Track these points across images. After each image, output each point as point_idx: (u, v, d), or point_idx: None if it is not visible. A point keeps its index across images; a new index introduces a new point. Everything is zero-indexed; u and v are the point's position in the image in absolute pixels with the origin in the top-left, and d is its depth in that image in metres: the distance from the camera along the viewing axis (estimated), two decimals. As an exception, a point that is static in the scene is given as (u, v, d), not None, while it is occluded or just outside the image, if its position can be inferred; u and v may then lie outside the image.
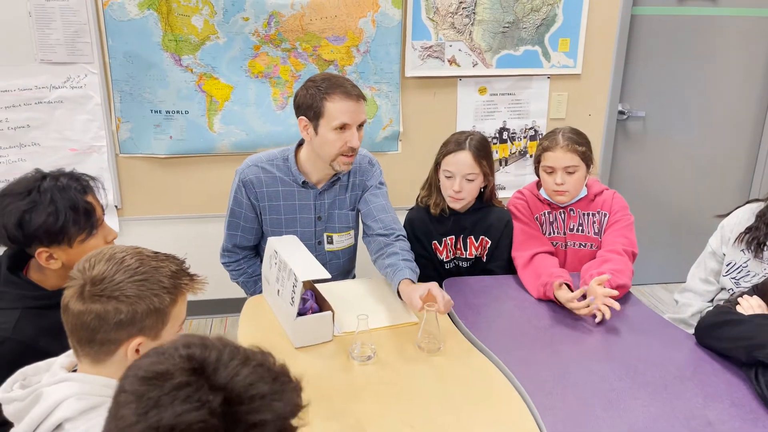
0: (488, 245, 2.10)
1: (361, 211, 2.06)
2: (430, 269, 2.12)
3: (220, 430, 0.70)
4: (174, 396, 0.70)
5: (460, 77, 3.04)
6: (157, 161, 2.92)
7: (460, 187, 2.00)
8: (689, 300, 2.03)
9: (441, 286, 1.98)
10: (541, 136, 3.19)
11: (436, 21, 2.92)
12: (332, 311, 1.64)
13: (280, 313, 1.72)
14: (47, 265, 1.41)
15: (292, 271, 1.60)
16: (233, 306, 3.12)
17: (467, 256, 2.13)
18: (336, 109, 1.79)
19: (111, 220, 2.84)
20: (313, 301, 1.72)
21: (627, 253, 1.99)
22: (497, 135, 3.17)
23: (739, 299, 1.65)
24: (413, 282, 1.78)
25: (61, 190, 1.40)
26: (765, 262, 1.86)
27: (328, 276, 1.59)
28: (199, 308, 3.18)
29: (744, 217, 1.94)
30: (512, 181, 3.21)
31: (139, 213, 2.97)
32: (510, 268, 2.11)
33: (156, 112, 2.86)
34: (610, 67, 3.11)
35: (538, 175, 2.17)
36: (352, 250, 2.17)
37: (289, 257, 1.67)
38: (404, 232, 2.01)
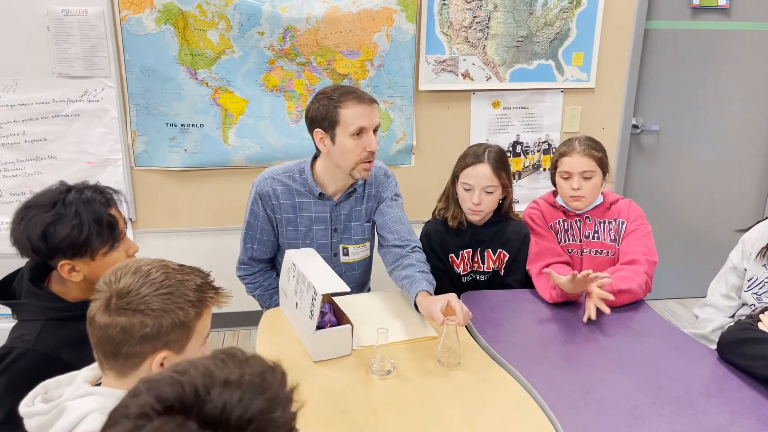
0: (506, 258, 2.09)
1: (376, 222, 2.06)
2: (447, 282, 2.11)
3: None
4: None
5: (474, 91, 3.05)
6: (171, 174, 2.94)
7: (479, 200, 1.99)
8: (710, 315, 2.01)
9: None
10: (554, 150, 3.19)
11: (450, 35, 2.94)
12: (351, 325, 1.63)
13: (299, 327, 1.71)
14: (69, 277, 1.42)
15: (311, 284, 1.59)
16: (246, 319, 3.12)
17: (485, 270, 2.11)
18: (351, 114, 1.81)
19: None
20: (331, 315, 1.71)
21: (646, 261, 1.98)
22: (510, 149, 3.16)
23: (761, 316, 1.63)
24: (430, 294, 1.77)
25: (85, 202, 1.40)
26: (787, 277, 1.84)
27: (348, 289, 1.59)
28: (212, 322, 3.17)
29: (765, 231, 1.92)
30: (526, 195, 3.20)
31: (154, 226, 2.98)
32: (528, 282, 2.10)
33: (171, 125, 2.87)
34: (624, 80, 3.11)
35: (554, 183, 2.18)
36: (368, 262, 2.16)
37: (308, 270, 1.66)
38: (420, 244, 2.01)
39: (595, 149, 2.08)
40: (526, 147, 3.18)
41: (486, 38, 2.96)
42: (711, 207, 3.43)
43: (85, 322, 1.42)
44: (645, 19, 3.04)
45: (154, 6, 2.70)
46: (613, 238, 2.12)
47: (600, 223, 2.14)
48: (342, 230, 2.04)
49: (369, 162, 1.89)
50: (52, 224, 1.36)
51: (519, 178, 3.21)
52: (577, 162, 2.07)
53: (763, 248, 1.89)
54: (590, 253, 2.14)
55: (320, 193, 1.97)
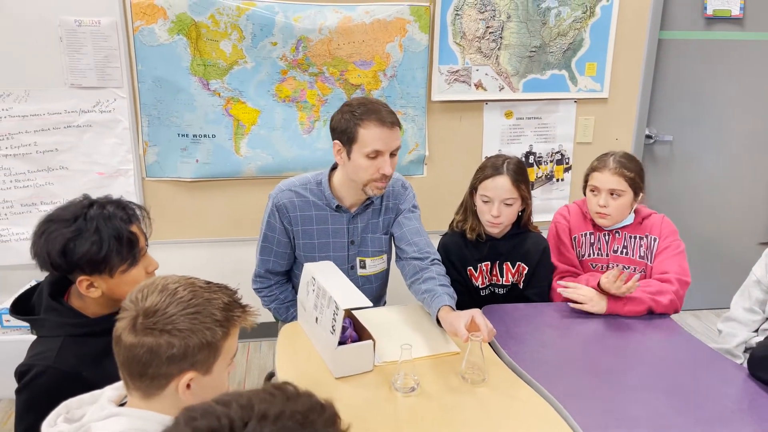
0: (525, 271, 2.06)
1: (394, 234, 2.04)
2: (465, 296, 2.08)
3: None
4: None
5: (487, 101, 3.03)
6: (183, 185, 2.92)
7: (498, 212, 1.97)
8: (734, 330, 1.98)
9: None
10: (567, 160, 3.17)
11: (463, 45, 2.92)
12: (373, 340, 1.60)
13: (319, 342, 1.68)
14: (87, 293, 1.39)
15: (332, 299, 1.57)
16: (256, 331, 3.08)
17: (503, 283, 2.09)
18: (369, 135, 1.77)
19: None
20: (352, 330, 1.68)
21: (677, 281, 1.95)
22: (523, 159, 3.14)
23: None
24: (453, 309, 1.74)
25: (106, 218, 1.38)
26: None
27: (370, 304, 1.56)
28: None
29: (791, 245, 1.89)
30: (539, 206, 3.16)
31: (165, 237, 2.95)
32: (548, 295, 2.07)
33: (183, 135, 2.85)
34: (637, 91, 3.10)
35: (585, 194, 2.16)
36: (385, 275, 2.14)
37: (328, 284, 1.64)
38: (439, 256, 1.98)
39: (628, 169, 2.04)
40: (539, 157, 3.16)
41: (499, 48, 2.95)
42: (725, 218, 3.40)
43: (105, 337, 1.41)
44: (659, 29, 3.02)
45: (167, 16, 2.69)
46: (642, 254, 2.09)
47: (630, 238, 2.11)
48: (359, 243, 2.01)
49: (382, 182, 1.85)
50: (72, 240, 1.34)
51: (532, 189, 3.18)
52: (606, 179, 2.04)
53: (788, 262, 1.86)
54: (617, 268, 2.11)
55: (337, 206, 1.94)
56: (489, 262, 2.08)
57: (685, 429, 1.37)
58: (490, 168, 2.02)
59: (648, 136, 3.21)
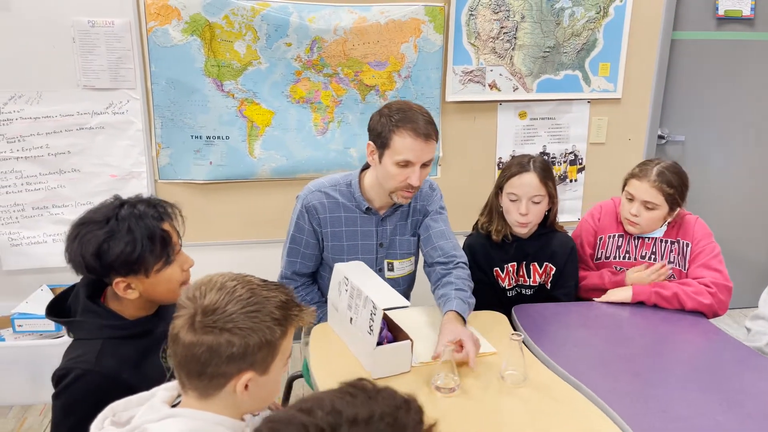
0: (552, 272, 2.05)
1: (421, 236, 2.02)
2: (492, 297, 2.07)
3: None
4: None
5: (501, 102, 3.02)
6: (196, 187, 2.89)
7: (526, 210, 1.96)
8: (763, 328, 1.97)
9: (509, 314, 1.93)
10: (581, 161, 3.16)
11: (478, 46, 2.91)
12: (411, 340, 1.58)
13: (354, 343, 1.66)
14: (125, 295, 1.37)
15: (369, 299, 1.55)
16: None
17: (531, 284, 2.07)
18: (402, 144, 1.75)
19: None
20: (386, 330, 1.66)
21: (715, 285, 1.94)
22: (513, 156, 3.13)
23: None
24: (460, 315, 1.70)
25: (138, 218, 1.35)
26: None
27: (408, 304, 1.54)
28: None
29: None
30: (553, 206, 3.16)
31: (178, 240, 2.91)
32: (575, 295, 2.06)
33: (196, 137, 2.83)
34: (650, 91, 3.10)
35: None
36: (412, 277, 2.12)
37: (363, 285, 1.62)
38: (465, 259, 1.95)
39: (669, 184, 1.98)
40: (552, 158, 3.16)
41: (513, 49, 2.94)
42: (737, 218, 3.41)
43: (143, 339, 1.38)
44: (671, 29, 3.03)
45: (181, 17, 2.67)
46: (672, 260, 2.07)
47: (661, 242, 2.09)
48: (387, 245, 1.99)
49: (409, 191, 1.82)
50: (105, 241, 1.31)
51: (545, 190, 3.18)
52: (644, 190, 2.00)
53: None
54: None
55: (367, 208, 1.92)
56: (515, 263, 2.07)
57: (732, 427, 1.36)
58: (516, 166, 2.01)
59: (660, 137, 3.21)
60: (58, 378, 1.30)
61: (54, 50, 2.61)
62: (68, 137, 2.73)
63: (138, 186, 2.84)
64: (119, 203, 1.38)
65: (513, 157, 2.11)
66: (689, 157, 3.30)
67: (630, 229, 2.07)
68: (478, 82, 2.96)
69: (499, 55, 2.95)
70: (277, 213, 2.99)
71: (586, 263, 2.17)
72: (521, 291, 2.10)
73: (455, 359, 1.51)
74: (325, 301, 1.86)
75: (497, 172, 3.12)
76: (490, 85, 2.98)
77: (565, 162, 3.17)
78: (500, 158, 3.10)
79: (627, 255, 2.13)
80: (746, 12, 3.10)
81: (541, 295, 2.08)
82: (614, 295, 1.98)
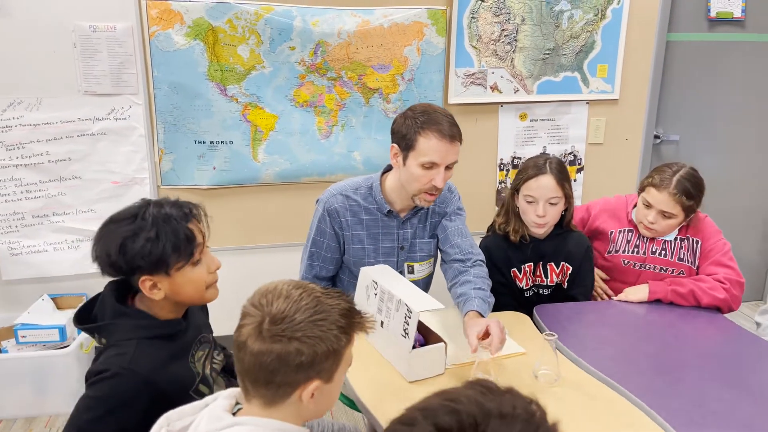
0: (569, 271, 2.08)
1: (438, 236, 2.03)
2: (509, 297, 2.09)
3: None
4: None
5: (502, 104, 3.05)
6: (199, 192, 2.86)
7: (544, 212, 1.98)
8: (773, 321, 2.03)
9: (527, 314, 1.96)
10: (580, 161, 3.21)
11: (479, 48, 2.94)
12: (444, 343, 1.59)
13: (386, 346, 1.66)
14: (151, 294, 1.35)
15: (402, 302, 1.55)
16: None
17: (548, 284, 2.10)
18: (427, 146, 1.76)
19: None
20: (417, 332, 1.66)
21: (729, 280, 1.98)
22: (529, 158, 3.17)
23: None
24: (480, 314, 1.71)
25: (164, 217, 1.35)
26: None
27: (442, 306, 1.55)
28: None
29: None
30: (553, 206, 3.20)
31: (182, 246, 2.88)
32: (591, 294, 2.10)
33: (200, 142, 2.80)
34: (647, 91, 3.16)
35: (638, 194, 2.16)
36: (430, 279, 2.13)
37: (394, 288, 1.62)
38: (482, 257, 1.96)
39: (688, 197, 1.98)
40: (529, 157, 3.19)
41: (514, 51, 2.98)
42: (730, 216, 3.49)
43: (174, 341, 1.37)
44: (666, 31, 3.10)
45: (183, 21, 2.64)
46: (682, 256, 2.11)
47: (672, 239, 2.13)
48: (408, 248, 2.00)
49: (432, 194, 1.83)
50: (130, 238, 1.31)
51: (546, 190, 3.22)
52: (663, 201, 1.99)
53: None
54: (654, 270, 2.14)
55: (389, 211, 1.93)
56: (532, 263, 2.09)
57: (765, 419, 1.39)
58: (532, 168, 2.03)
59: (656, 136, 3.28)
60: (93, 374, 1.28)
61: (54, 55, 2.57)
62: (69, 144, 2.68)
63: (141, 192, 2.80)
64: (146, 203, 1.38)
65: (528, 158, 2.13)
66: (683, 156, 3.37)
67: (645, 233, 2.10)
68: (479, 85, 2.99)
69: (500, 58, 2.98)
70: (281, 217, 2.98)
71: None
72: (538, 291, 2.12)
73: (482, 345, 1.52)
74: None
75: (498, 174, 3.15)
76: (491, 87, 3.01)
77: (564, 163, 3.21)
78: (501, 159, 3.13)
79: (636, 249, 2.16)
80: (737, 14, 3.18)
81: (558, 294, 2.10)
82: (632, 294, 2.02)
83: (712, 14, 3.17)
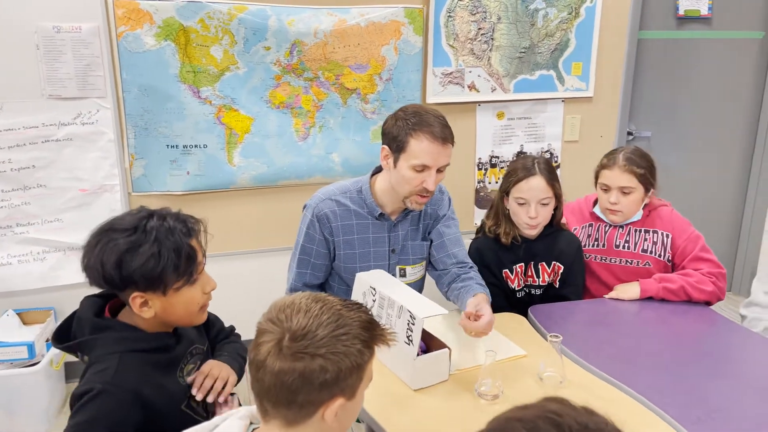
0: (561, 271, 2.07)
1: (433, 242, 2.00)
2: (501, 298, 2.07)
3: None
4: None
5: (479, 103, 3.04)
6: (173, 199, 2.75)
7: (536, 213, 1.97)
8: (758, 314, 2.06)
9: (523, 313, 1.95)
10: (556, 159, 3.23)
11: (456, 47, 2.92)
12: (449, 349, 1.56)
13: (387, 354, 1.61)
14: (140, 312, 1.27)
15: (404, 309, 1.51)
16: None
17: (540, 283, 2.09)
18: (419, 148, 1.72)
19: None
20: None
21: (713, 274, 2.01)
22: (515, 159, 3.17)
23: None
24: (487, 298, 1.78)
25: (167, 231, 1.27)
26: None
27: (446, 312, 1.51)
28: None
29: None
30: (531, 204, 3.21)
31: (156, 255, 2.78)
32: (583, 293, 2.09)
33: (172, 147, 2.70)
34: (620, 89, 3.20)
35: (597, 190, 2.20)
36: (422, 282, 2.09)
37: (393, 293, 1.58)
38: (475, 266, 1.98)
39: (638, 165, 2.06)
40: (516, 158, 3.20)
41: (490, 50, 2.97)
42: (700, 209, 3.55)
43: (162, 355, 1.29)
44: (638, 29, 3.14)
45: (153, 21, 2.54)
46: (647, 248, 2.14)
47: (635, 232, 2.15)
48: (400, 251, 1.96)
49: (424, 197, 1.80)
50: (129, 251, 1.22)
51: (524, 188, 3.23)
52: (616, 177, 2.07)
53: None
54: (619, 263, 2.16)
55: (380, 214, 1.88)
56: (523, 264, 2.07)
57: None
58: (521, 170, 2.01)
59: (629, 133, 3.32)
60: (77, 397, 1.20)
61: (16, 58, 2.43)
62: (33, 150, 2.54)
63: (111, 200, 2.69)
64: (147, 214, 1.29)
65: (514, 160, 2.11)
66: (655, 152, 3.36)
67: (613, 218, 2.13)
68: (457, 84, 2.97)
69: (477, 57, 2.96)
70: (259, 223, 2.90)
71: None
72: (530, 291, 2.11)
73: (469, 327, 1.57)
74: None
75: (477, 173, 3.14)
76: (469, 87, 2.99)
77: (551, 161, 3.22)
78: (479, 159, 3.12)
79: (596, 242, 2.18)
80: (704, 11, 3.24)
81: (549, 294, 2.09)
82: (623, 292, 2.03)
83: (681, 12, 3.22)
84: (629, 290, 2.03)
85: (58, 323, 1.35)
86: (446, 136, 1.74)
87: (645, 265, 2.14)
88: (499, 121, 3.11)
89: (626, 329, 1.84)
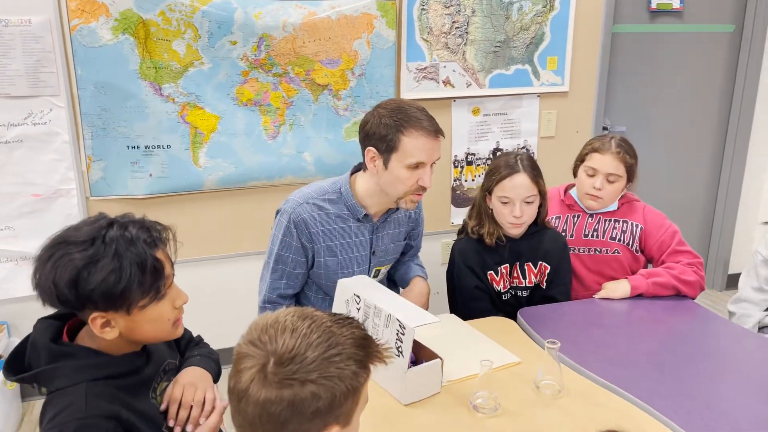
0: (547, 271, 1.99)
1: (413, 245, 1.94)
2: (487, 302, 1.98)
3: None
4: None
5: (454, 98, 2.95)
6: (135, 203, 2.59)
7: (521, 212, 1.88)
8: (747, 310, 2.03)
9: (510, 316, 1.88)
10: (533, 155, 3.16)
11: (430, 41, 2.83)
12: (441, 359, 1.46)
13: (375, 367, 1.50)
14: (102, 333, 1.13)
15: (393, 318, 1.41)
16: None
17: (526, 285, 2.01)
18: (413, 145, 1.62)
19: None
20: (407, 350, 1.52)
21: (693, 264, 1.99)
22: (491, 156, 3.10)
23: None
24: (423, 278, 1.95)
25: (129, 242, 1.12)
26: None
27: (437, 320, 1.42)
28: None
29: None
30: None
31: (117, 263, 2.61)
32: (570, 293, 2.02)
33: (133, 148, 2.54)
34: (595, 83, 3.15)
35: (575, 175, 2.14)
36: (385, 281, 2.02)
37: (380, 301, 1.47)
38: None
39: (630, 155, 2.05)
40: (498, 155, 3.13)
41: (465, 44, 2.88)
42: (673, 204, 3.55)
43: (131, 378, 1.16)
44: (612, 22, 3.09)
45: (110, 14, 2.38)
46: (614, 236, 2.11)
47: (605, 221, 2.12)
48: (380, 253, 1.86)
49: (419, 195, 1.72)
50: (86, 267, 1.07)
51: (500, 186, 3.16)
52: (608, 162, 2.03)
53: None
54: (588, 252, 2.13)
55: (364, 215, 1.77)
56: (508, 265, 1.99)
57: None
58: (504, 168, 1.93)
59: (604, 128, 3.28)
60: None
61: (-42, 53, 2.24)
62: (-20, 154, 2.36)
63: (67, 205, 2.51)
64: (107, 223, 1.14)
65: (497, 157, 2.03)
66: (630, 147, 3.39)
67: (591, 203, 2.09)
68: (432, 79, 2.88)
69: (452, 51, 2.87)
70: (227, 226, 2.76)
71: None
72: (516, 293, 2.02)
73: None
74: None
75: (453, 171, 3.05)
76: (444, 82, 2.90)
77: (534, 157, 3.16)
78: (455, 156, 3.03)
79: (564, 233, 2.14)
80: (676, 5, 3.22)
81: (536, 295, 2.01)
82: (613, 291, 1.96)
83: (653, 5, 3.19)
84: (619, 288, 1.96)
85: (11, 350, 1.20)
86: (437, 129, 1.66)
87: (614, 252, 2.12)
88: (474, 117, 3.02)
89: (620, 330, 1.77)
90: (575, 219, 2.15)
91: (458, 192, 3.09)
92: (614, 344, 1.67)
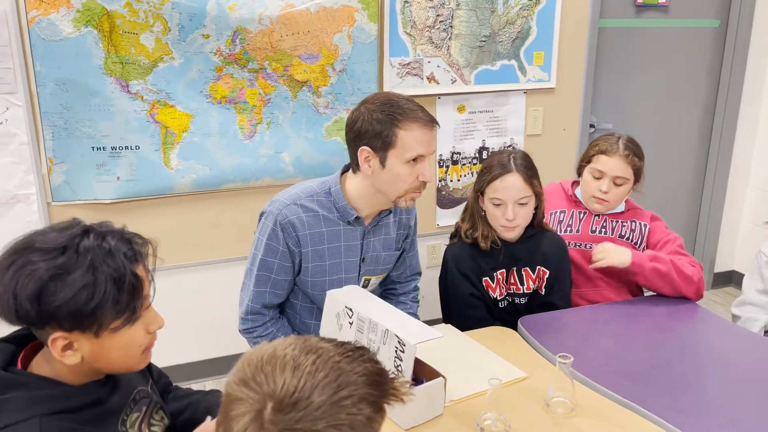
0: (546, 276, 1.88)
1: (406, 254, 1.84)
2: (483, 310, 1.87)
3: None
4: None
5: (439, 95, 2.84)
6: (101, 208, 2.42)
7: (514, 214, 1.77)
8: (752, 314, 1.95)
9: (508, 325, 1.77)
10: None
11: (414, 36, 2.70)
12: (444, 378, 1.33)
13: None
14: (62, 357, 0.97)
15: (392, 334, 1.28)
16: (212, 368, 2.65)
17: (524, 291, 1.89)
18: (411, 139, 1.51)
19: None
20: (404, 367, 1.39)
21: (694, 264, 1.91)
22: (477, 155, 2.99)
23: None
24: None
25: (106, 253, 0.97)
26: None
27: (440, 336, 1.29)
28: (191, 371, 2.64)
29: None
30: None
31: (83, 273, 2.43)
32: (571, 299, 1.92)
33: (99, 149, 2.37)
34: (582, 79, 3.06)
35: (579, 174, 2.05)
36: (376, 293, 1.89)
37: (375, 315, 1.34)
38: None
39: (638, 156, 1.96)
40: (492, 152, 3.03)
41: (450, 38, 2.77)
42: (660, 201, 3.49)
43: (94, 410, 1.02)
44: (599, 17, 3.01)
45: (71, 5, 2.21)
46: (623, 234, 2.02)
47: (612, 221, 2.04)
48: (370, 260, 1.72)
49: (420, 191, 1.60)
50: (53, 280, 0.92)
51: (486, 186, 3.05)
52: (616, 165, 1.94)
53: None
54: (591, 248, 2.02)
55: (356, 218, 1.64)
56: (505, 270, 1.88)
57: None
58: (497, 167, 1.81)
59: (590, 125, 3.20)
60: None
61: None
62: (-72, 157, 2.16)
63: (26, 212, 2.33)
64: (81, 230, 0.98)
65: (490, 155, 1.92)
66: (617, 145, 3.32)
67: (597, 207, 2.01)
68: (416, 75, 2.76)
69: (436, 46, 2.76)
70: (201, 232, 2.60)
71: None
72: (514, 300, 1.91)
73: None
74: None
75: (438, 170, 2.94)
76: (428, 78, 2.78)
77: (530, 156, 3.05)
78: (440, 155, 2.92)
79: (570, 228, 2.06)
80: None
81: (535, 302, 1.90)
82: (612, 256, 1.86)
83: (639, 0, 3.12)
84: (618, 256, 1.86)
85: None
86: (433, 119, 1.56)
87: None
88: (460, 115, 2.91)
89: (628, 339, 1.66)
90: (581, 215, 2.06)
91: (443, 193, 2.98)
92: (624, 355, 1.57)
